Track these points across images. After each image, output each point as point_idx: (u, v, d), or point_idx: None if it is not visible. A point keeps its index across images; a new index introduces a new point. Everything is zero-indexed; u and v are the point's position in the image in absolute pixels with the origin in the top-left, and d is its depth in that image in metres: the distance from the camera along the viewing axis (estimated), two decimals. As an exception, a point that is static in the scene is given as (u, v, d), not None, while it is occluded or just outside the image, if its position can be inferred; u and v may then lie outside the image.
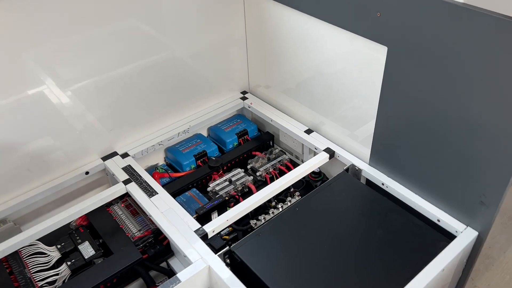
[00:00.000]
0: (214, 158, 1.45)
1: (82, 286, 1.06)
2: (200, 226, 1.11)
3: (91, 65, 1.20)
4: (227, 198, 1.30)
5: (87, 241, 1.22)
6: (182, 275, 0.98)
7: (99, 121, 1.30)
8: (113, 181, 1.35)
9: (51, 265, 1.18)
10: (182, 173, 1.43)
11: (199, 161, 1.46)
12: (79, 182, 1.33)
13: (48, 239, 1.20)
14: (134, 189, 1.24)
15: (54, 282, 1.14)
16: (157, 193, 1.22)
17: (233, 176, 1.40)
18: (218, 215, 1.26)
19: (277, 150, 1.51)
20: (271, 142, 1.58)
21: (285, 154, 1.50)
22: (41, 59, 1.11)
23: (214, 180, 1.40)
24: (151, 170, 1.44)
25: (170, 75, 1.39)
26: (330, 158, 1.33)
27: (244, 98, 1.61)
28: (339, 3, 1.10)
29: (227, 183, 1.38)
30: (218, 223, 1.12)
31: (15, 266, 1.15)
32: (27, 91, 1.12)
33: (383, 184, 1.21)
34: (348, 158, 1.30)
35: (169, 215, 1.15)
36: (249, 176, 1.40)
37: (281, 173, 1.43)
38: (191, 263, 1.02)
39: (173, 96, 1.44)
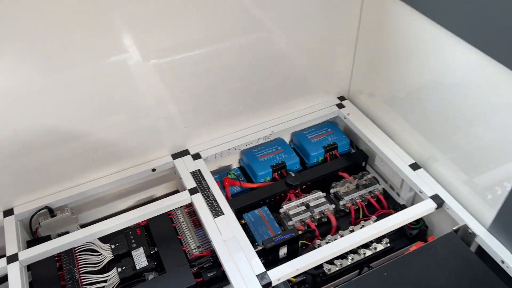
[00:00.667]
0: (293, 174, 1.25)
1: None
2: (264, 270, 0.94)
3: (175, 43, 1.04)
4: (300, 232, 1.11)
5: (142, 248, 1.11)
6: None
7: (175, 115, 1.15)
8: (180, 183, 1.21)
9: (101, 266, 1.10)
10: (255, 184, 1.26)
11: (276, 173, 1.27)
12: (144, 178, 1.21)
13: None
14: (200, 203, 1.09)
15: (101, 289, 1.05)
16: (223, 214, 1.07)
17: (311, 200, 1.20)
18: (288, 252, 1.09)
19: (369, 176, 1.27)
20: (363, 163, 1.34)
21: (379, 183, 1.25)
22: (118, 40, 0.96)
23: (290, 200, 1.21)
24: (223, 173, 1.28)
25: (260, 66, 1.18)
26: (437, 208, 1.07)
27: (340, 106, 1.37)
28: (484, 23, 0.81)
29: (303, 207, 1.19)
30: (286, 272, 0.95)
31: (65, 262, 1.08)
32: (102, 78, 0.99)
33: (503, 262, 0.94)
34: (460, 214, 1.03)
35: (232, 246, 0.99)
36: (331, 204, 1.19)
37: (369, 206, 1.20)
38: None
39: (259, 93, 1.24)
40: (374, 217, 1.13)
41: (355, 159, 1.32)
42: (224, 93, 1.19)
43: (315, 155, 1.31)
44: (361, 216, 1.18)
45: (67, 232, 1.15)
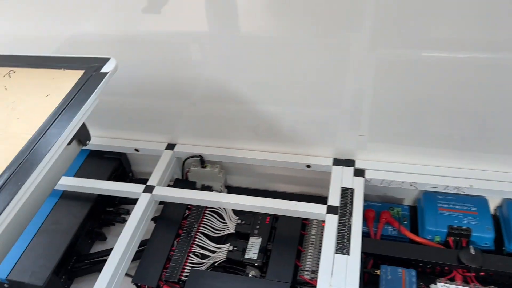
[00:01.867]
0: (473, 252, 0.91)
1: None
2: None
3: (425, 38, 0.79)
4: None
5: (260, 238, 1.02)
6: None
7: (361, 116, 0.95)
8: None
9: (220, 235, 1.07)
10: (417, 237, 0.97)
11: (453, 238, 0.95)
12: (297, 170, 1.09)
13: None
14: (330, 227, 0.91)
15: (205, 256, 1.02)
16: (348, 254, 0.86)
17: (481, 298, 0.85)
18: None
19: None
20: None
21: None
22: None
23: (452, 280, 0.90)
24: (386, 205, 1.04)
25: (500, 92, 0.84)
26: None
27: None
28: None
29: (464, 300, 0.86)
30: None
31: (192, 215, 1.09)
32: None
33: None
34: None
35: (335, 297, 0.79)
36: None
37: None
38: None
39: (485, 130, 0.91)
40: None
41: None
42: (438, 112, 0.90)
43: (524, 242, 0.92)
44: None
45: (211, 187, 1.16)
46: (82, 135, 0.74)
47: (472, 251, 0.91)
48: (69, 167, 0.74)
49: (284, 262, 0.97)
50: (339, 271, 0.83)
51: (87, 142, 0.76)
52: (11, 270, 0.94)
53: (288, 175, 1.14)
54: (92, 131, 1.19)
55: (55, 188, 1.10)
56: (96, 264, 1.05)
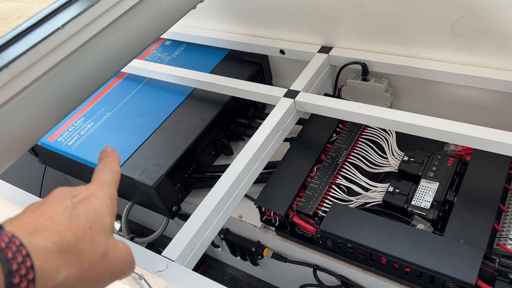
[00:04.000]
0: None
1: (368, 234, 0.65)
2: None
3: None
4: None
5: (438, 184, 0.71)
6: None
7: None
8: None
9: (377, 171, 0.78)
10: None
11: None
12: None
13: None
14: None
15: (354, 193, 0.75)
16: None
17: None
18: None
19: None
20: None
21: None
22: None
23: None
24: None
25: None
26: None
27: None
28: None
29: None
30: None
31: (343, 138, 0.82)
32: None
33: None
34: None
35: None
36: None
37: None
38: None
39: None
40: None
41: None
42: None
43: None
44: None
45: (370, 110, 0.86)
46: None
47: None
48: (182, 15, 0.52)
49: (475, 221, 0.64)
50: None
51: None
52: (123, 164, 0.81)
53: (492, 106, 0.78)
54: (232, 28, 1.00)
55: (184, 84, 0.94)
56: (217, 179, 0.86)
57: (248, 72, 0.95)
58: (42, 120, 0.40)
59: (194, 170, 0.86)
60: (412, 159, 0.77)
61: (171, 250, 0.58)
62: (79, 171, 0.90)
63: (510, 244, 0.61)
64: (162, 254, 0.58)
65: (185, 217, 0.89)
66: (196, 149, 0.85)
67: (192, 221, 0.62)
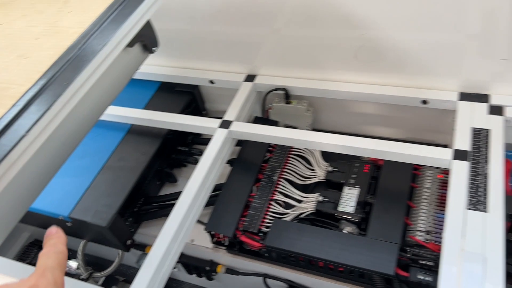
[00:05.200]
0: None
1: (305, 244, 0.76)
2: None
3: None
4: None
5: (358, 189, 0.83)
6: None
7: (498, 37, 0.72)
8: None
9: (307, 183, 0.89)
10: None
11: None
12: (410, 108, 0.87)
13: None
14: (459, 176, 0.69)
15: (290, 205, 0.86)
16: (485, 211, 0.64)
17: None
18: None
19: None
20: None
21: None
22: None
23: None
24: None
25: None
26: None
27: None
28: None
29: None
30: None
31: (275, 158, 0.92)
32: None
33: None
34: None
35: (469, 266, 0.59)
36: None
37: None
38: None
39: None
40: None
41: None
42: None
43: None
44: None
45: (295, 128, 0.98)
46: (147, 38, 0.58)
47: None
48: (131, 77, 0.59)
49: (390, 219, 0.77)
50: (475, 232, 0.62)
51: (154, 48, 0.60)
52: (74, 208, 0.84)
53: (393, 115, 0.93)
54: (162, 61, 1.06)
55: (123, 121, 0.99)
56: (166, 207, 0.93)
57: (182, 102, 1.02)
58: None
59: (143, 203, 0.92)
60: (335, 169, 0.89)
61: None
62: (27, 218, 0.92)
63: (419, 236, 0.75)
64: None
65: (138, 246, 0.94)
66: (143, 183, 0.91)
67: (152, 256, 0.69)
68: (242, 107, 0.91)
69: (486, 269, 0.58)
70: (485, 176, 0.68)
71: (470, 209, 0.65)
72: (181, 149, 1.00)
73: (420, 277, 0.71)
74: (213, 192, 0.87)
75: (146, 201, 0.93)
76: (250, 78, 0.97)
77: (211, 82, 1.00)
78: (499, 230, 0.62)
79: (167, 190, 1.00)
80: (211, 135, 0.86)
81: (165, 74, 1.03)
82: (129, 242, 0.88)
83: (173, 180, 1.00)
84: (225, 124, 0.87)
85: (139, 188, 0.90)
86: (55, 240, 0.36)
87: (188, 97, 1.04)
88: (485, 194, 0.66)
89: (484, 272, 0.58)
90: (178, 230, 0.72)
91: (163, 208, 0.93)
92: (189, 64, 1.03)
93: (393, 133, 0.97)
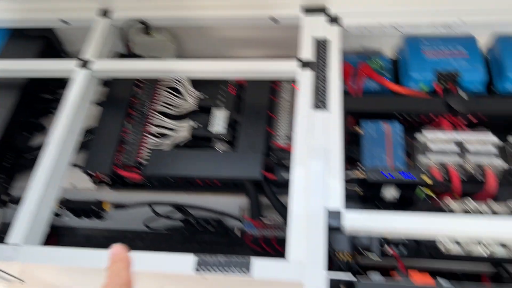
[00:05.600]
0: (463, 96, 0.81)
1: (182, 166, 0.81)
2: (339, 210, 0.64)
3: None
4: (429, 182, 0.73)
5: (225, 110, 0.89)
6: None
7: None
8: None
9: (181, 113, 0.93)
10: (401, 88, 0.86)
11: (440, 84, 0.85)
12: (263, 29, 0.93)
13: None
14: (304, 83, 0.78)
15: (165, 136, 0.89)
16: (325, 109, 0.74)
17: (473, 142, 0.78)
18: (401, 199, 0.75)
19: None
20: None
21: None
22: None
23: (438, 128, 0.81)
24: (363, 57, 0.91)
25: None
26: None
27: None
28: None
29: (454, 147, 0.78)
30: (376, 226, 0.63)
31: (144, 91, 0.93)
32: None
33: None
34: None
35: (316, 155, 0.69)
36: (498, 157, 0.75)
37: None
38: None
39: None
40: None
41: None
42: None
43: (516, 79, 0.82)
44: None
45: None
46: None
47: (464, 96, 0.81)
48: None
49: (255, 133, 0.85)
50: (318, 127, 0.72)
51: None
52: None
53: (251, 36, 0.98)
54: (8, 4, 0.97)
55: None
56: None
57: (37, 49, 0.96)
58: None
59: (15, 157, 0.89)
60: (206, 96, 0.93)
61: (13, 235, 0.66)
62: None
63: (280, 141, 0.84)
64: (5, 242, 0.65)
65: (17, 200, 0.92)
66: (8, 138, 0.87)
67: (25, 204, 0.69)
68: (101, 44, 0.89)
69: (328, 155, 0.69)
70: (324, 80, 0.77)
71: (314, 108, 0.74)
72: (45, 97, 0.96)
73: (285, 176, 0.81)
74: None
75: (18, 155, 0.90)
76: (104, 12, 0.94)
77: (64, 22, 0.95)
78: (337, 124, 0.73)
79: (39, 140, 0.97)
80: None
81: (9, 18, 0.95)
82: (5, 198, 0.86)
83: (41, 128, 0.97)
84: (84, 64, 0.86)
85: (5, 143, 0.86)
86: (118, 265, 0.32)
87: (43, 42, 0.98)
88: (324, 96, 0.76)
89: (326, 158, 0.68)
90: (49, 176, 0.72)
91: (36, 159, 0.91)
92: (37, 5, 0.96)
93: (255, 52, 1.03)
